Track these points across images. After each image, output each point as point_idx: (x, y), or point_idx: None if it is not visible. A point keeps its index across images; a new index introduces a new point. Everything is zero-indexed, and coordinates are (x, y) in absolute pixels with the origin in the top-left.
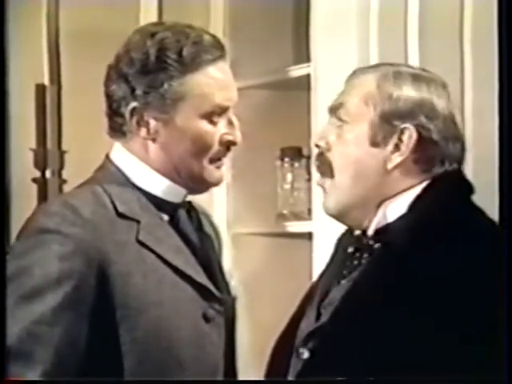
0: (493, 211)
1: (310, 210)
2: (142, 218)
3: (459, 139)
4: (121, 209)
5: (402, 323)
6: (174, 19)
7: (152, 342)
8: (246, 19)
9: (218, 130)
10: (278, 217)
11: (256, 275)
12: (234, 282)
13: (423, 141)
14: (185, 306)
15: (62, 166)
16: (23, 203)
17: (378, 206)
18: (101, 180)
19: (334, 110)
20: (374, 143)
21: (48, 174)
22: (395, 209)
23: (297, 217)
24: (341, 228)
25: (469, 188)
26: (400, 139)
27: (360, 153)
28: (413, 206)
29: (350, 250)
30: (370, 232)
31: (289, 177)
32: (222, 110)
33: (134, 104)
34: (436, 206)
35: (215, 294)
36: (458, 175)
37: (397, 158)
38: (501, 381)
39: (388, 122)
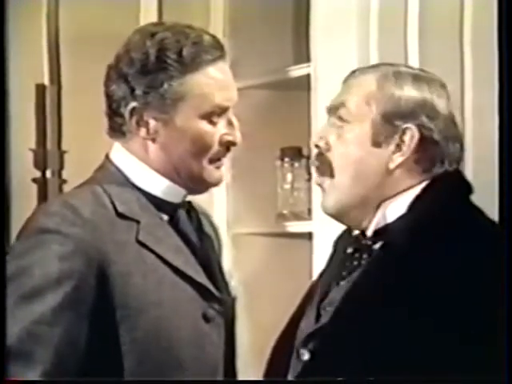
0: (493, 211)
1: (310, 210)
2: (141, 218)
3: (459, 139)
4: (120, 209)
5: (401, 323)
6: (174, 19)
7: (152, 342)
8: (246, 19)
9: (218, 131)
10: (277, 217)
11: (256, 275)
12: (234, 282)
13: (424, 141)
14: (185, 306)
15: (62, 166)
16: (23, 203)
17: (378, 206)
18: (100, 180)
19: (333, 109)
20: (376, 143)
21: (48, 174)
22: (395, 209)
23: (297, 217)
24: (341, 228)
25: (468, 188)
26: (402, 139)
27: (361, 153)
28: (412, 206)
29: (349, 250)
30: (370, 232)
31: (289, 177)
32: (222, 111)
33: (133, 104)
34: (436, 206)
35: (215, 294)
36: (458, 175)
37: (398, 158)
38: (501, 381)
39: (390, 122)
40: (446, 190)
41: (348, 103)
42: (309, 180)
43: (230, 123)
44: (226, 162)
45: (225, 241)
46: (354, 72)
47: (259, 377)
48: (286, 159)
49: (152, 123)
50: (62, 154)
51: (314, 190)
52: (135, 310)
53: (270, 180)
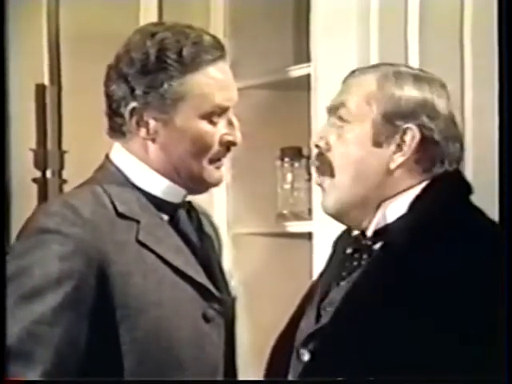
0: (493, 211)
1: (310, 210)
2: (141, 218)
3: (459, 139)
4: (120, 209)
5: (402, 323)
6: (174, 19)
7: (152, 342)
8: (247, 19)
9: (218, 131)
10: (277, 217)
11: (256, 275)
12: (234, 282)
13: (425, 141)
14: (185, 306)
15: (62, 166)
16: (23, 203)
17: (378, 206)
18: (101, 180)
19: (334, 109)
20: (377, 143)
21: (48, 174)
22: (395, 209)
23: (297, 217)
24: (341, 228)
25: (467, 188)
26: (402, 139)
27: (361, 153)
28: (412, 207)
29: (349, 251)
30: (370, 232)
31: (289, 177)
32: (222, 111)
33: (133, 104)
34: (435, 206)
35: (215, 294)
36: (457, 175)
37: (399, 158)
38: (501, 381)
39: (390, 122)
40: (445, 190)
41: (348, 103)
42: (309, 180)
43: (230, 123)
44: (226, 162)
45: (225, 241)
46: (353, 72)
47: (259, 377)
48: (286, 159)
49: (152, 123)
50: (62, 153)
51: (314, 190)
52: (135, 309)
53: (270, 180)
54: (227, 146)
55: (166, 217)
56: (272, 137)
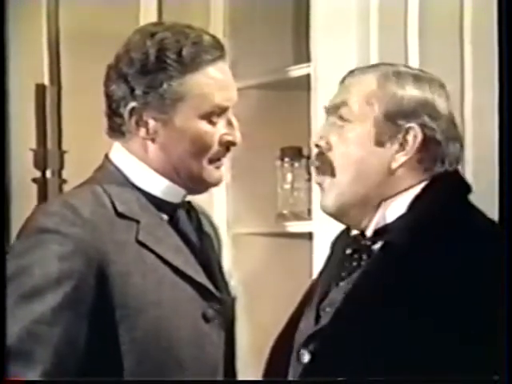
0: (493, 211)
1: (309, 210)
2: (141, 218)
3: (458, 139)
4: (120, 209)
5: (402, 324)
6: (173, 19)
7: (151, 342)
8: (246, 19)
9: (218, 131)
10: (278, 217)
11: (256, 275)
12: (234, 282)
13: (427, 140)
14: (184, 306)
15: (62, 166)
16: (23, 203)
17: (378, 205)
18: (100, 180)
19: (334, 109)
20: (379, 142)
21: (48, 174)
22: (395, 209)
23: (297, 217)
24: (341, 228)
25: (467, 188)
26: (405, 139)
27: (362, 152)
28: (412, 206)
29: (348, 251)
30: (369, 232)
31: (289, 177)
32: (222, 111)
33: (133, 104)
34: (435, 206)
35: (215, 293)
36: (457, 175)
37: (401, 158)
38: (501, 381)
39: (393, 121)
40: (445, 190)
41: (349, 102)
42: (309, 180)
43: (229, 123)
44: (226, 162)
45: (225, 241)
46: (352, 72)
47: (259, 377)
48: (286, 159)
49: (151, 123)
50: (62, 153)
51: (314, 190)
52: (135, 309)
53: (270, 180)
54: (227, 145)
55: (165, 217)
56: (272, 137)
